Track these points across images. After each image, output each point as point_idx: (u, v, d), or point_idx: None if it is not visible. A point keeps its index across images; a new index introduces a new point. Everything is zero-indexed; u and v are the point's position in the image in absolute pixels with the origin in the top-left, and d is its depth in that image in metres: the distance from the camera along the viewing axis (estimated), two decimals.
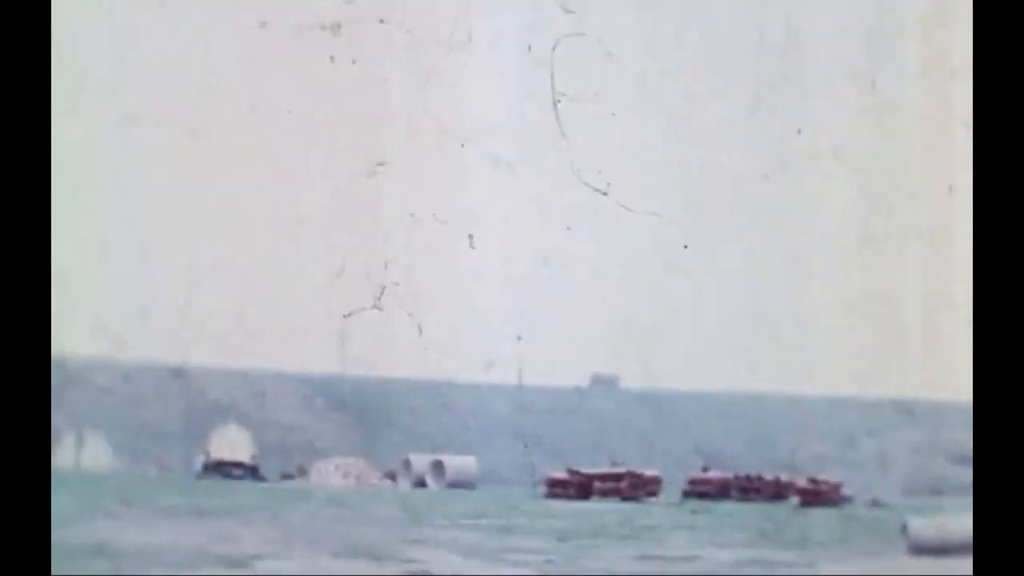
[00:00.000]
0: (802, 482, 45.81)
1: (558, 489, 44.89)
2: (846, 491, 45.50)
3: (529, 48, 44.34)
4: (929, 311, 60.34)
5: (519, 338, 67.45)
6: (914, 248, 57.52)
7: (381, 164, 55.77)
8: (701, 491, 47.07)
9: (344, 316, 71.11)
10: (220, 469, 53.71)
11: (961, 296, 48.58)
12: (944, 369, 77.36)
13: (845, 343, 79.45)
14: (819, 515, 38.03)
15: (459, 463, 53.41)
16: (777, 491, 46.78)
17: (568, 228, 72.08)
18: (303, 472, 57.64)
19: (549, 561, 22.51)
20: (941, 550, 24.45)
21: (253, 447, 56.07)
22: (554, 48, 41.04)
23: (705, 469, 55.16)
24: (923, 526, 25.46)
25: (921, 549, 24.79)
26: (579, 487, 44.81)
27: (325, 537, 25.60)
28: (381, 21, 44.77)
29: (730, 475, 48.85)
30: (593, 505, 41.05)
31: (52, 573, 14.16)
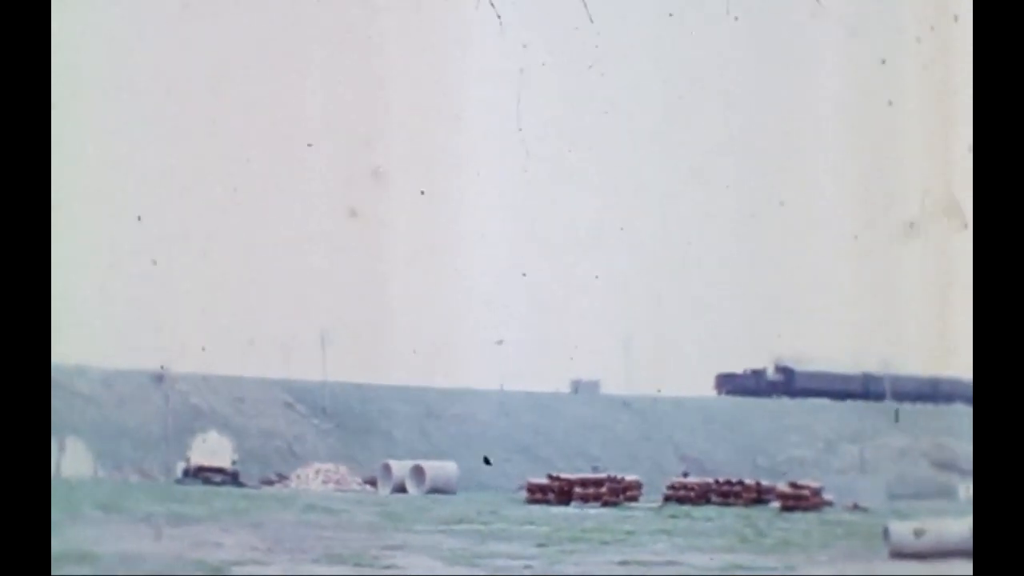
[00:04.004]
0: (783, 487, 45.75)
1: (538, 495, 44.84)
2: (827, 496, 45.48)
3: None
4: (916, 320, 60.43)
5: (500, 343, 67.59)
6: (907, 257, 57.64)
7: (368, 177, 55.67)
8: (681, 496, 47.03)
9: (325, 323, 70.95)
10: (201, 475, 53.64)
11: (955, 303, 48.74)
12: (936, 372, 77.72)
13: (828, 349, 79.65)
14: (800, 520, 38.03)
15: (439, 468, 53.29)
16: (758, 496, 46.76)
17: (550, 238, 72.09)
18: (283, 478, 57.59)
19: (529, 567, 22.50)
20: (922, 554, 24.45)
21: (234, 453, 56.02)
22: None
23: (686, 474, 55.23)
24: (904, 530, 25.46)
25: (902, 553, 24.79)
26: (560, 492, 44.75)
27: (305, 543, 25.57)
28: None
29: (710, 480, 48.84)
30: (573, 510, 41.00)
31: None
